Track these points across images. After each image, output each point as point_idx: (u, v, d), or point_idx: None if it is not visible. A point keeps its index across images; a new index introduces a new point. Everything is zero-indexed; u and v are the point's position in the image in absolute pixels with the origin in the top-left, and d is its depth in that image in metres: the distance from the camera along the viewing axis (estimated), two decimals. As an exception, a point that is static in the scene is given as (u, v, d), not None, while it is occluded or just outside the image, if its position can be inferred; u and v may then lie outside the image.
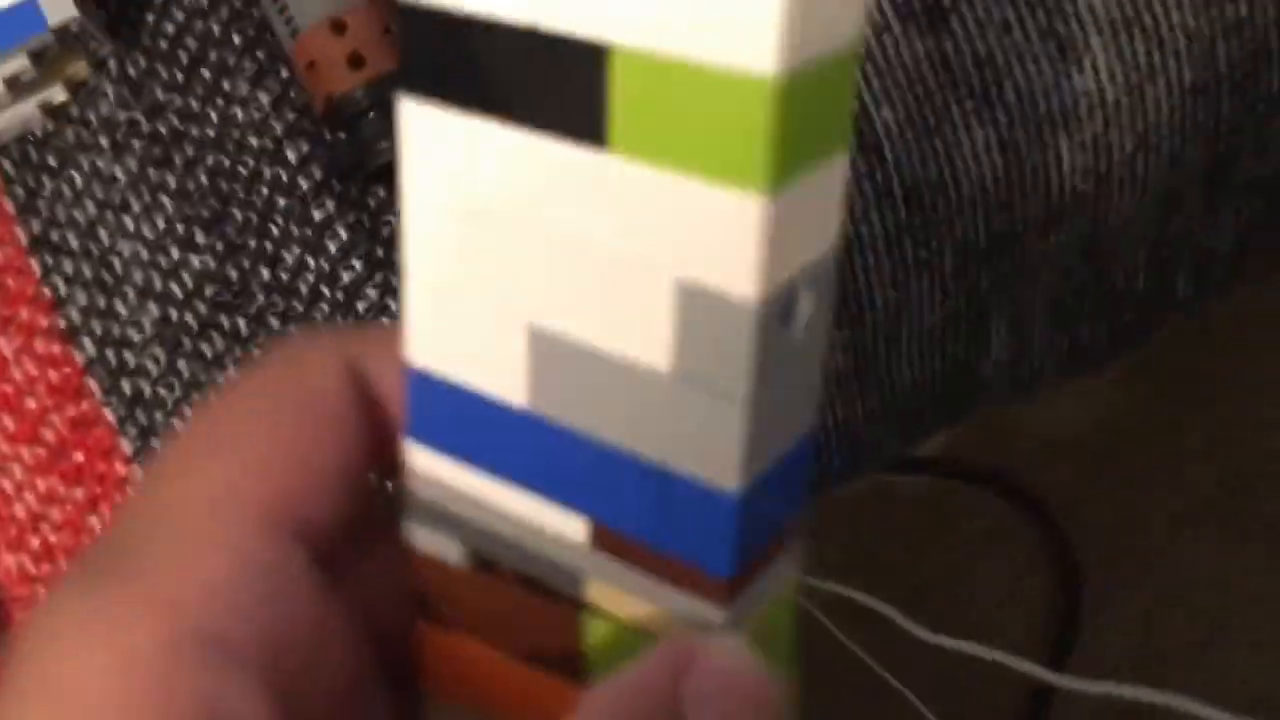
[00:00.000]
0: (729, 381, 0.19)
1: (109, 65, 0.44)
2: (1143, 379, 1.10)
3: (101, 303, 0.43)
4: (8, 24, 0.42)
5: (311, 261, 0.43)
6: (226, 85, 0.44)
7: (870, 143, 0.43)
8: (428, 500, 0.24)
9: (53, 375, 0.43)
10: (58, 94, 0.43)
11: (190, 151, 0.44)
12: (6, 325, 0.44)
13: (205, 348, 0.43)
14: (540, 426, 0.22)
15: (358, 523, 0.24)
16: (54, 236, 0.44)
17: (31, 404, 0.43)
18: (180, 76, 0.44)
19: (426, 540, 0.24)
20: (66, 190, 0.44)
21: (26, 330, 0.43)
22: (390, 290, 0.43)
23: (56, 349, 0.43)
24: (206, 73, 0.44)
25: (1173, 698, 0.49)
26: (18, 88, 0.43)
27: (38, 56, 0.43)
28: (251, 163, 0.44)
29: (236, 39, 0.44)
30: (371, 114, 0.41)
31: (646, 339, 0.20)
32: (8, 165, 0.44)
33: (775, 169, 0.18)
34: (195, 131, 0.44)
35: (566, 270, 0.20)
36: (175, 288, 0.43)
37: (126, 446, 0.43)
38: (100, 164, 0.44)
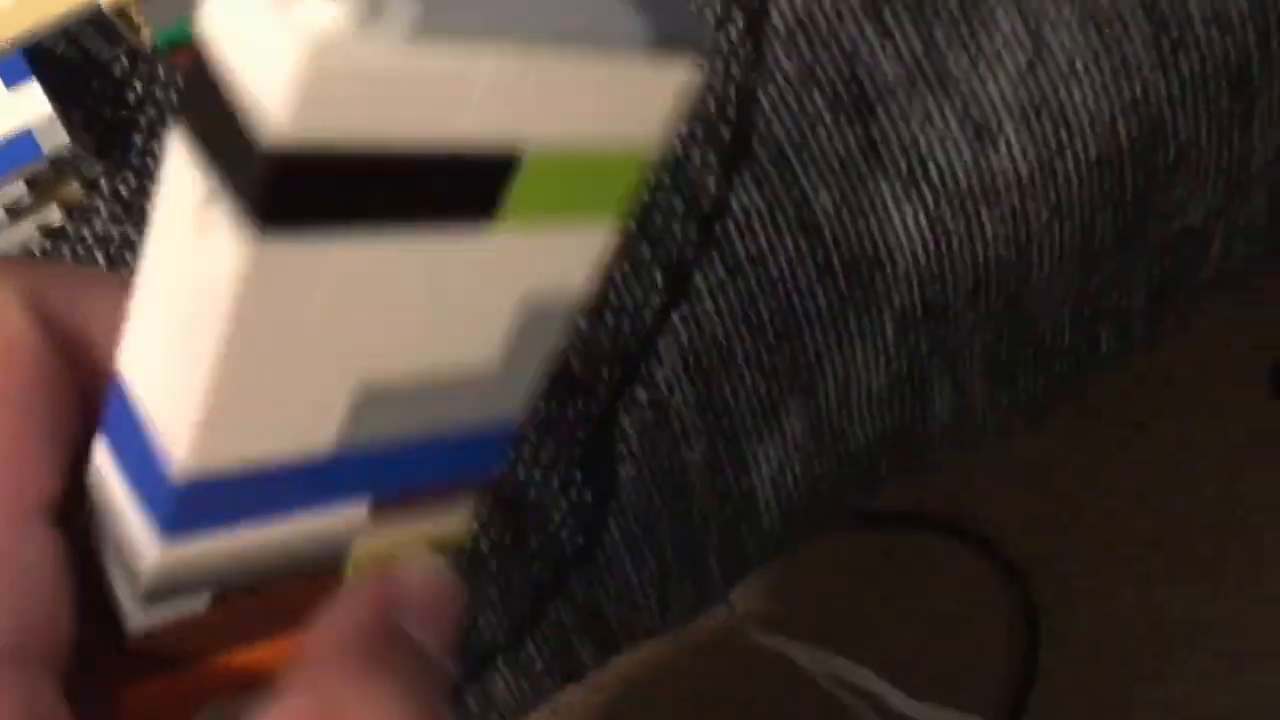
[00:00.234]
0: (538, 359, 0.23)
1: (101, 185, 0.47)
2: (1078, 422, 1.14)
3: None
4: (4, 154, 0.45)
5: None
6: (212, 199, 0.47)
7: (810, 224, 0.47)
8: (176, 579, 0.22)
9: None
10: (54, 216, 0.46)
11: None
12: None
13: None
14: (340, 457, 0.22)
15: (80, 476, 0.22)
16: (52, 348, 0.46)
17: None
18: (168, 193, 0.47)
19: (158, 615, 0.23)
20: (63, 304, 0.47)
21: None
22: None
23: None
24: (192, 189, 0.47)
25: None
26: (15, 212, 0.46)
27: (33, 183, 0.46)
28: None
29: (219, 156, 0.47)
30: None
31: (477, 356, 0.22)
32: (5, 283, 0.47)
33: (620, 210, 0.22)
34: (184, 244, 0.47)
35: (410, 331, 0.21)
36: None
37: None
38: (94, 278, 0.47)
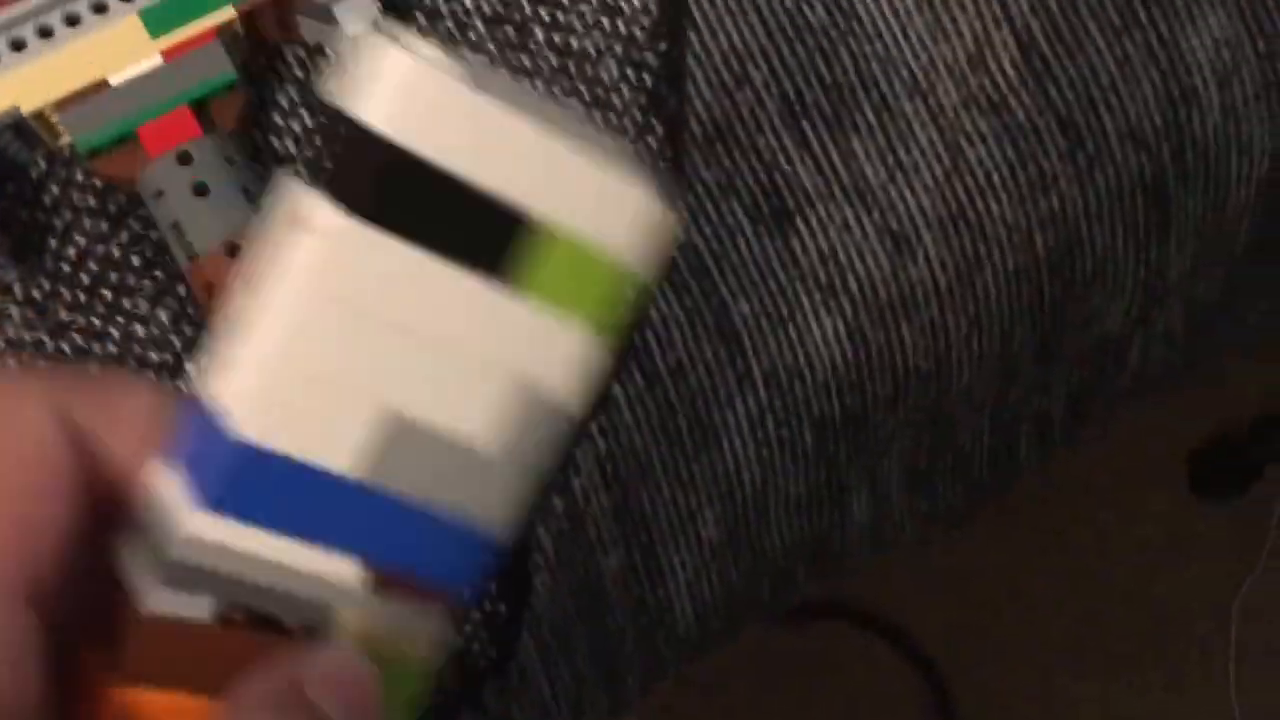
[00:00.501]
0: (532, 457, 0.26)
1: (14, 290, 0.46)
2: (996, 522, 1.14)
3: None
4: (-85, 255, 0.45)
5: (212, 467, 0.46)
6: (127, 304, 0.46)
7: (730, 333, 0.47)
8: (193, 564, 0.24)
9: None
10: (-36, 319, 0.46)
11: (93, 369, 0.46)
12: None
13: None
14: (356, 493, 0.25)
15: (82, 579, 0.24)
16: (-39, 452, 0.46)
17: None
18: (82, 297, 0.47)
19: (167, 600, 0.25)
20: (-27, 407, 0.46)
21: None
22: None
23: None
24: (107, 293, 0.47)
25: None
26: (-75, 315, 0.45)
27: (-56, 284, 0.45)
28: (152, 376, 0.46)
29: (136, 260, 0.47)
30: (265, 329, 0.44)
31: (482, 423, 0.25)
32: (-85, 385, 0.46)
33: (615, 325, 0.25)
34: (98, 349, 0.46)
35: (427, 364, 0.24)
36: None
37: None
38: (6, 381, 0.46)
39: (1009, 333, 0.48)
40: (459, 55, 0.23)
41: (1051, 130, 0.47)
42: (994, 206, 0.47)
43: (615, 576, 0.48)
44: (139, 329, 0.46)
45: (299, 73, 0.48)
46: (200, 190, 0.45)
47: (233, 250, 0.45)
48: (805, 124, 0.47)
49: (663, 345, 0.46)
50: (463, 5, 0.48)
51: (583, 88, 0.47)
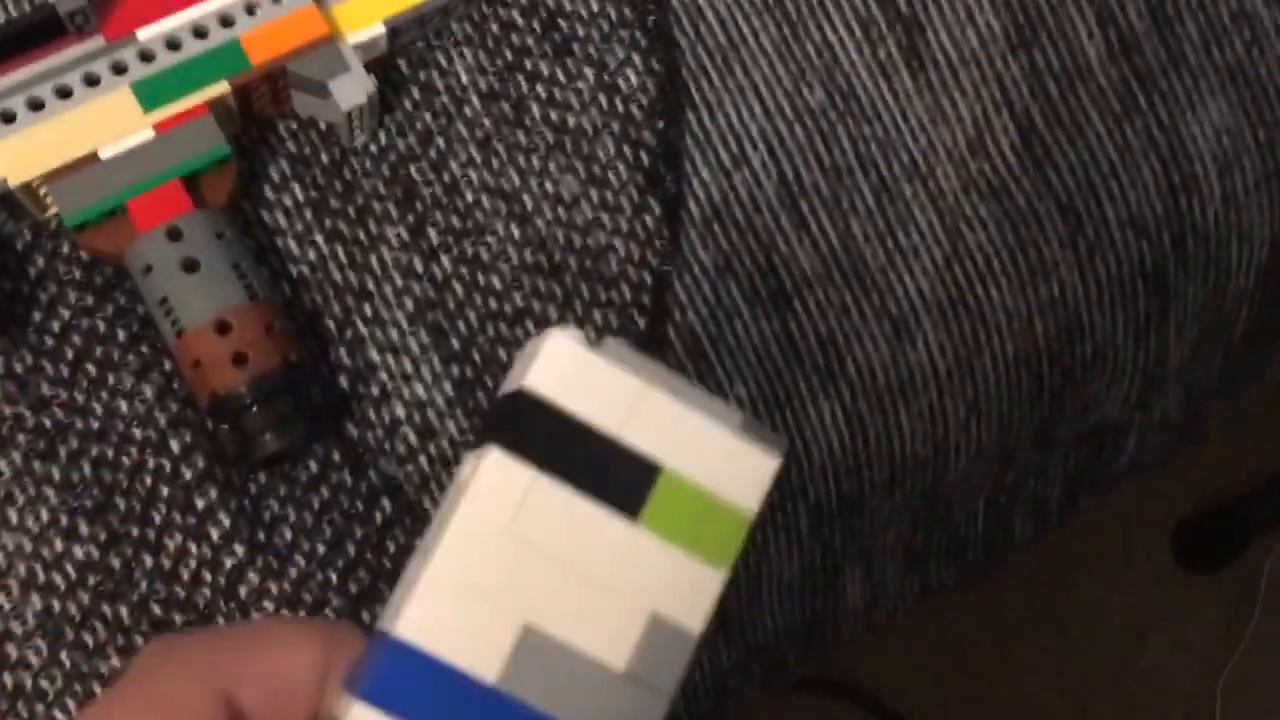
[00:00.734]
0: (665, 683, 0.28)
1: (-5, 363, 0.45)
2: (984, 595, 1.13)
3: (-16, 594, 0.44)
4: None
5: (194, 548, 0.44)
6: (111, 379, 0.45)
7: (726, 417, 0.46)
8: None
9: (-67, 669, 0.44)
10: (-57, 394, 0.45)
11: (74, 444, 0.45)
12: (-114, 620, 0.44)
13: (87, 637, 0.44)
14: (495, 700, 0.28)
15: None
16: (-64, 529, 0.45)
17: (-89, 700, 0.43)
18: (65, 371, 0.46)
19: None
20: (-50, 483, 0.45)
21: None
22: (271, 573, 0.44)
23: (-63, 642, 0.44)
24: (91, 367, 0.46)
25: None
26: (-97, 389, 0.44)
27: (-76, 358, 0.44)
28: (135, 453, 0.45)
29: (121, 334, 0.46)
30: (254, 408, 0.43)
31: (613, 645, 0.28)
32: (-109, 460, 0.45)
33: (733, 560, 0.29)
34: (79, 424, 0.45)
35: (569, 589, 0.28)
36: (58, 578, 0.44)
37: (8, 738, 0.43)
38: (-16, 456, 0.45)
39: (1007, 418, 0.48)
40: (607, 337, 0.29)
41: (1052, 216, 0.46)
42: (994, 292, 0.46)
43: (606, 663, 0.46)
44: (122, 405, 0.45)
45: (291, 146, 0.47)
46: (190, 266, 0.44)
47: (222, 327, 0.44)
48: (804, 205, 0.46)
49: (658, 428, 0.45)
50: (459, 81, 0.47)
51: (579, 165, 0.46)
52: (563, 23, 0.47)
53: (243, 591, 0.44)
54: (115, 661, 0.44)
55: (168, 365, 0.46)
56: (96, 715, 0.26)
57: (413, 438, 0.45)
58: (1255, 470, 1.15)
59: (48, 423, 0.45)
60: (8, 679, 0.44)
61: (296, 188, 0.47)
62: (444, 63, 0.48)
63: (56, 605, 0.44)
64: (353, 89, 0.46)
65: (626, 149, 0.47)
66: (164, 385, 0.46)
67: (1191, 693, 1.14)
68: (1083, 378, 0.48)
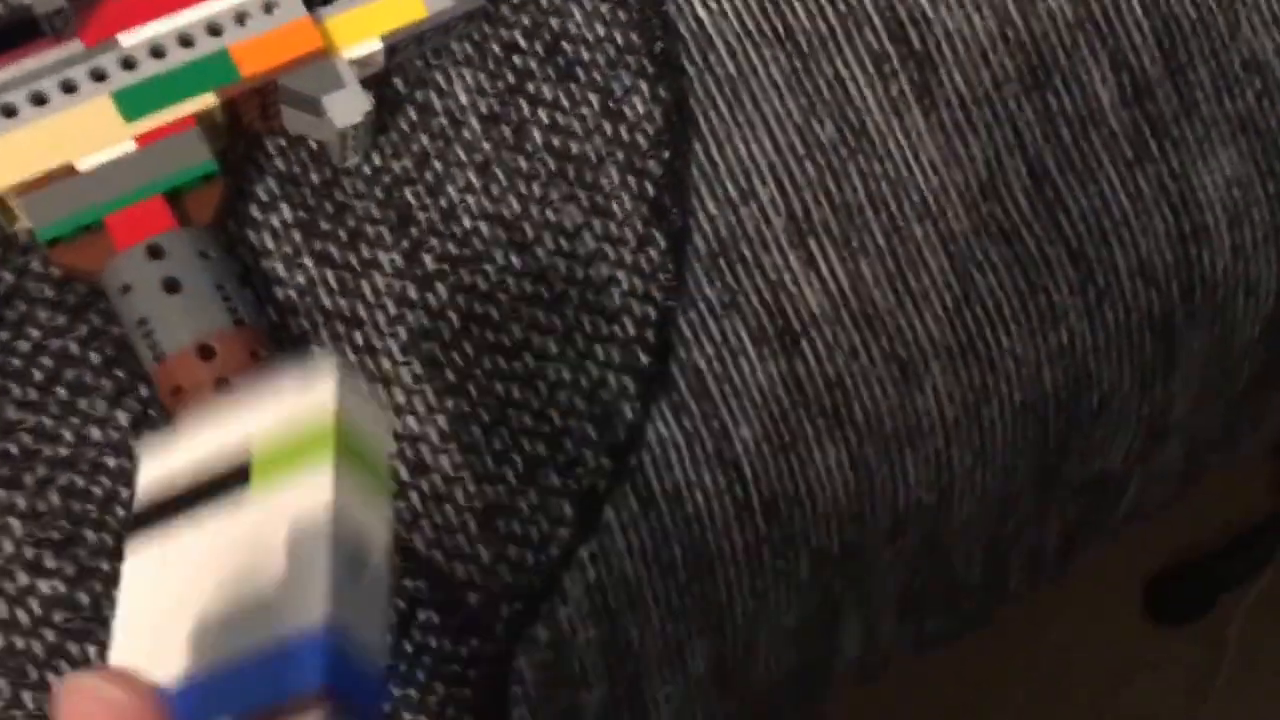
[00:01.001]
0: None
1: (-42, 384, 0.43)
2: (958, 644, 1.12)
3: (-62, 630, 0.41)
4: None
5: (169, 585, 0.42)
6: (83, 404, 0.43)
7: (729, 459, 0.44)
8: None
9: (-119, 710, 0.41)
10: (-98, 415, 0.42)
11: (42, 471, 0.43)
12: None
13: (52, 677, 0.41)
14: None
15: None
16: (-113, 559, 0.42)
17: None
18: (34, 394, 0.43)
19: None
20: (-97, 510, 0.42)
21: None
22: (251, 612, 0.42)
23: (-114, 681, 0.41)
24: (62, 391, 0.43)
25: None
26: None
27: (-119, 376, 0.41)
28: (108, 483, 0.43)
29: (94, 357, 0.43)
30: (238, 440, 0.41)
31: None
32: None
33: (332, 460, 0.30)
34: (48, 451, 0.43)
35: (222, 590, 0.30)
36: (21, 614, 0.42)
37: (-40, 785, 0.41)
38: (-59, 482, 0.42)
39: (1012, 467, 0.47)
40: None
41: (1062, 262, 0.46)
42: (1004, 338, 0.45)
43: (596, 712, 0.45)
44: (95, 432, 0.43)
45: (280, 164, 0.45)
46: (171, 287, 0.42)
47: (204, 352, 0.41)
48: (813, 243, 0.45)
49: (659, 468, 0.44)
50: (457, 102, 0.45)
51: (581, 194, 0.45)
52: (567, 46, 0.46)
53: (220, 633, 0.42)
54: (80, 705, 0.42)
55: (144, 391, 0.43)
56: None
57: (404, 473, 0.43)
58: (1228, 524, 1.15)
59: (14, 449, 0.43)
60: (-36, 723, 0.41)
61: (285, 208, 0.45)
62: (442, 83, 0.46)
63: (20, 643, 0.42)
64: (348, 106, 0.44)
65: (631, 179, 0.45)
66: (140, 412, 0.43)
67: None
68: (1088, 427, 0.47)
